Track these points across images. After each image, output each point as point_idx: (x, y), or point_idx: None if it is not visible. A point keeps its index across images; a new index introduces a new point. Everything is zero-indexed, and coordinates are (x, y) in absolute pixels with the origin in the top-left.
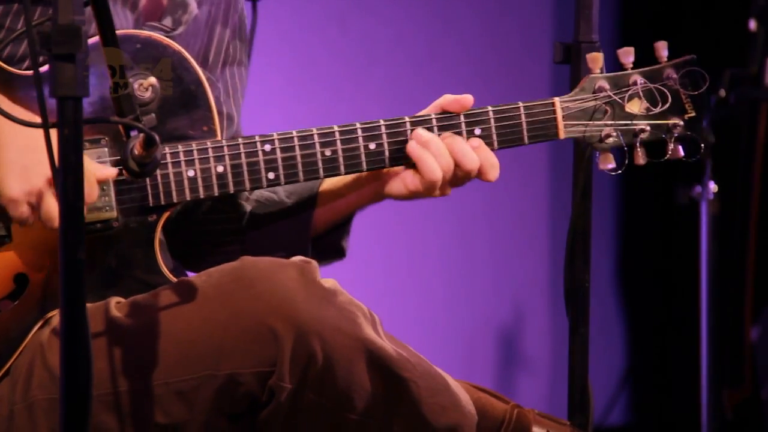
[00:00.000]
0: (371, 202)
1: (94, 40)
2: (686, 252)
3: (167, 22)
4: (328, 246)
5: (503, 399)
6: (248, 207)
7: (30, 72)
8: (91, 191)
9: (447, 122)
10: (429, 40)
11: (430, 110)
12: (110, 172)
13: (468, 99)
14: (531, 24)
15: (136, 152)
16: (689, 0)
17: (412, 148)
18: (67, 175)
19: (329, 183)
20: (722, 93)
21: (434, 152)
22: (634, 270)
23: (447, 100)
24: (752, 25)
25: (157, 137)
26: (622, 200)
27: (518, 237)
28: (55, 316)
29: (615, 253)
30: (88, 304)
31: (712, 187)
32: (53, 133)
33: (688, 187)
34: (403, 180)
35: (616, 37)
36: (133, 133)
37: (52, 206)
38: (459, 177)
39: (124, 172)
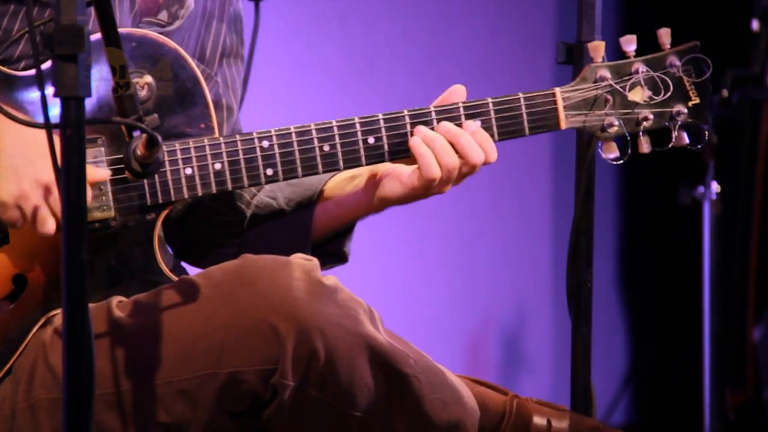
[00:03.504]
0: (370, 208)
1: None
2: (689, 252)
3: (163, 16)
4: (329, 251)
5: (501, 390)
6: (248, 212)
7: (28, 72)
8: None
9: (446, 114)
10: (431, 41)
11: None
12: (103, 173)
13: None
14: (534, 24)
15: (138, 153)
16: (692, 0)
17: (415, 144)
18: (69, 176)
19: (328, 190)
20: (725, 93)
21: (438, 150)
22: (636, 270)
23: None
24: (755, 25)
25: (159, 138)
26: (625, 200)
27: (521, 237)
28: (56, 315)
29: (618, 254)
30: (90, 304)
31: (715, 187)
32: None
33: (691, 188)
34: (399, 178)
35: (619, 38)
36: (136, 134)
37: (41, 210)
38: (463, 173)
39: (126, 172)
